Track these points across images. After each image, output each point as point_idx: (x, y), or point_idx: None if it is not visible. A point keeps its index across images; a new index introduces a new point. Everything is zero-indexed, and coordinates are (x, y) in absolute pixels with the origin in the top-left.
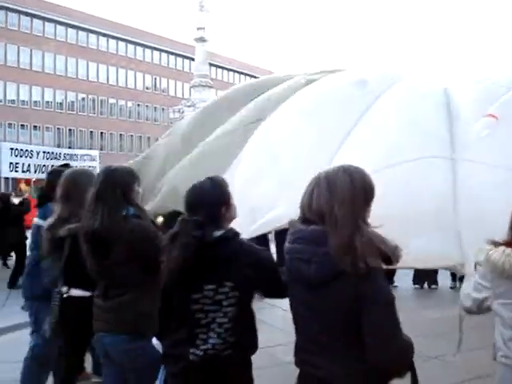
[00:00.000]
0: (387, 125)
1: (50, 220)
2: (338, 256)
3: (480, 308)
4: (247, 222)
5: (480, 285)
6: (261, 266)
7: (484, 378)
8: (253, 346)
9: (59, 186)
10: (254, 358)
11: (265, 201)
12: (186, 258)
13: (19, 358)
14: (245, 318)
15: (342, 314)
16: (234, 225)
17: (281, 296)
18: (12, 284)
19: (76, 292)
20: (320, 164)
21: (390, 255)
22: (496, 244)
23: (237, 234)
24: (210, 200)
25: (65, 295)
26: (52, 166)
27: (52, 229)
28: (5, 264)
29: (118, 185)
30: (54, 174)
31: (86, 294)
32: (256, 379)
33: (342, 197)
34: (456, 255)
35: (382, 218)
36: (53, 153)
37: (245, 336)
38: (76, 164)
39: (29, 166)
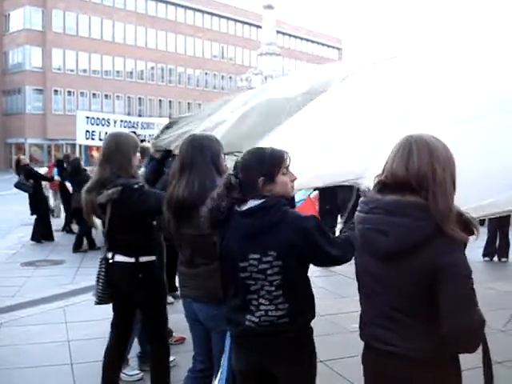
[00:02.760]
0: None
1: (89, 183)
2: (441, 217)
3: None
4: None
5: None
6: (305, 233)
7: None
8: (308, 312)
9: (101, 148)
10: (315, 324)
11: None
12: (216, 217)
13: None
14: (296, 286)
15: (416, 287)
16: None
17: (331, 264)
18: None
19: (120, 258)
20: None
21: (471, 229)
22: None
23: (278, 203)
24: (254, 169)
25: (110, 261)
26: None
27: (90, 191)
28: (70, 230)
29: (207, 151)
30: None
31: (130, 260)
32: (318, 346)
33: (443, 160)
34: None
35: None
36: (130, 121)
37: (299, 303)
38: (152, 132)
39: (106, 133)
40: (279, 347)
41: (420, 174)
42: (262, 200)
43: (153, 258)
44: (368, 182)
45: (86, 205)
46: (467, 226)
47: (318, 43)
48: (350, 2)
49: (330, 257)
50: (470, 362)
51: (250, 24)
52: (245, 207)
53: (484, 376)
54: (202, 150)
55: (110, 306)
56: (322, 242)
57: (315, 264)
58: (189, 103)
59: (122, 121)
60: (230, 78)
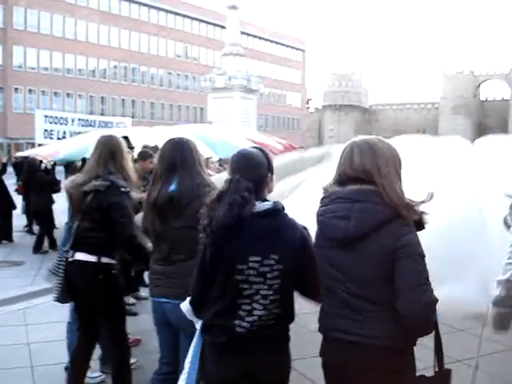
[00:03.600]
0: None
1: (81, 178)
2: (394, 204)
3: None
4: None
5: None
6: (305, 243)
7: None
8: (292, 316)
9: (97, 148)
10: None
11: None
12: (229, 217)
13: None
14: (290, 291)
15: (376, 271)
16: None
17: (313, 290)
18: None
19: (81, 256)
20: None
21: (419, 219)
22: None
23: (283, 208)
24: (260, 166)
25: (70, 259)
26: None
27: (81, 186)
28: (30, 231)
29: (193, 153)
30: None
31: (92, 259)
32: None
33: (385, 158)
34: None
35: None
36: (88, 120)
37: (288, 308)
38: (110, 132)
39: (64, 132)
40: (264, 352)
41: (365, 170)
42: (272, 202)
43: (114, 261)
44: None
45: (77, 198)
46: (418, 217)
47: (282, 44)
48: (313, 4)
49: (316, 277)
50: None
51: (215, 24)
52: (257, 209)
53: (435, 355)
54: (187, 151)
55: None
56: (315, 255)
57: (298, 284)
58: (152, 103)
59: (79, 119)
60: (194, 77)
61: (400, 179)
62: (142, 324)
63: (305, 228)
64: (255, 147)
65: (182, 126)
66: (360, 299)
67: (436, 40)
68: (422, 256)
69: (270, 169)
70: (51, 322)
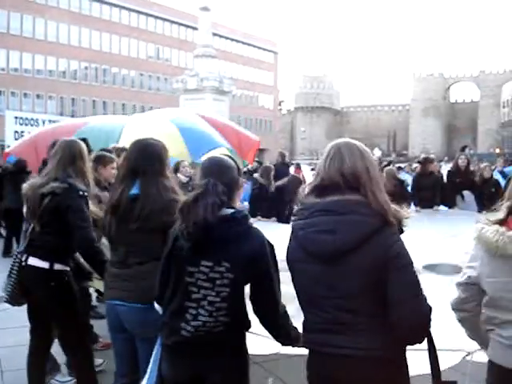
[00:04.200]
0: None
1: (40, 180)
2: (383, 211)
3: (468, 297)
4: None
5: (469, 268)
6: (263, 257)
7: None
8: (246, 325)
9: (57, 151)
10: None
11: None
12: (212, 217)
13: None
14: (239, 301)
15: (364, 284)
16: None
17: (270, 301)
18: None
19: (34, 261)
20: None
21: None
22: (488, 222)
23: (247, 217)
24: (231, 170)
25: (23, 263)
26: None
27: (38, 188)
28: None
29: (157, 157)
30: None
31: (44, 265)
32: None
33: (371, 160)
34: None
35: None
36: (59, 121)
37: (238, 316)
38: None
39: None
40: (214, 356)
41: (356, 174)
42: (234, 210)
43: (67, 268)
44: None
45: (33, 200)
46: (399, 213)
47: (254, 46)
48: (285, 6)
49: (272, 290)
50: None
51: (186, 26)
52: (223, 213)
53: (430, 366)
54: (153, 155)
55: None
56: (274, 274)
57: (255, 292)
58: (123, 104)
59: (50, 121)
60: (166, 79)
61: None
62: None
63: (268, 243)
64: (224, 154)
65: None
66: (348, 313)
67: (406, 43)
68: (412, 263)
69: (240, 173)
70: (21, 326)
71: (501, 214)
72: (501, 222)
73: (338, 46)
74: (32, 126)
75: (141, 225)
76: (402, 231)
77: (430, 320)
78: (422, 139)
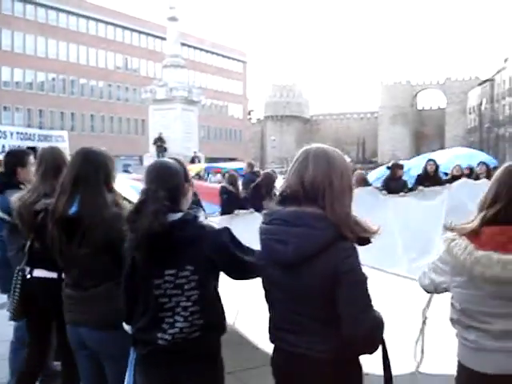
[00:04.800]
0: None
1: (31, 196)
2: (339, 223)
3: (437, 289)
4: None
5: (440, 269)
6: (221, 248)
7: None
8: (221, 327)
9: (45, 161)
10: (223, 336)
11: None
12: (157, 225)
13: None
14: (211, 300)
15: (316, 294)
16: None
17: (245, 277)
18: None
19: (40, 273)
20: None
21: (367, 236)
22: (462, 231)
23: (196, 217)
24: (175, 175)
25: (28, 276)
26: (27, 147)
27: (31, 205)
28: None
29: (101, 168)
30: (17, 156)
31: (52, 275)
32: (227, 357)
33: (341, 169)
34: None
35: None
36: (26, 133)
37: (212, 318)
38: (51, 145)
39: (3, 146)
40: (190, 363)
41: (316, 182)
42: (182, 213)
43: None
44: None
45: (27, 217)
46: (363, 233)
47: (223, 56)
48: (254, 16)
49: (245, 264)
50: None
51: (155, 36)
52: (171, 219)
53: (384, 376)
54: (97, 166)
55: None
56: (237, 252)
57: (234, 276)
58: (92, 115)
59: (18, 133)
60: (135, 89)
61: (352, 196)
62: None
63: (222, 230)
64: (171, 157)
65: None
66: (302, 317)
67: (374, 51)
68: (363, 279)
69: (187, 179)
70: (2, 340)
71: (474, 224)
72: (473, 233)
73: (306, 54)
74: (0, 138)
75: (87, 245)
76: (368, 241)
77: (380, 333)
78: (390, 146)
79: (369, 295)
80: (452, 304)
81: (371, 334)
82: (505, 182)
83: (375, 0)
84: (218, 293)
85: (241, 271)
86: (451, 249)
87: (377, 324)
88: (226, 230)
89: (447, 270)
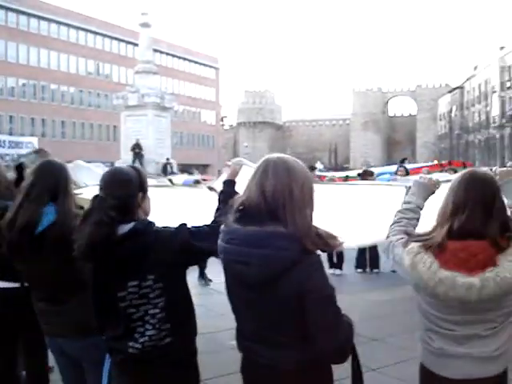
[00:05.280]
0: None
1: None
2: (300, 234)
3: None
4: None
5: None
6: (180, 247)
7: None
8: (191, 331)
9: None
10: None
11: None
12: (97, 235)
13: None
14: (178, 305)
15: (282, 312)
16: None
17: (206, 256)
18: None
19: (3, 284)
20: None
21: (329, 245)
22: (426, 243)
23: (150, 224)
24: (127, 184)
25: None
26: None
27: None
28: None
29: (68, 180)
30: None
31: (15, 285)
32: (199, 365)
33: (302, 179)
34: None
35: None
36: None
37: (181, 322)
38: (22, 151)
39: None
40: (161, 370)
41: (276, 192)
42: (134, 223)
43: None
44: None
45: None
46: (327, 241)
47: (195, 62)
48: (226, 22)
49: (204, 252)
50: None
51: (127, 41)
52: (122, 231)
53: (352, 381)
54: (59, 176)
55: None
56: (196, 243)
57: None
58: (63, 121)
59: None
60: (106, 95)
61: (313, 207)
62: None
63: (177, 230)
64: (130, 166)
65: None
66: (270, 330)
67: (346, 58)
68: (330, 293)
69: (143, 188)
70: None
71: (439, 237)
72: (437, 248)
73: (279, 61)
74: None
75: (56, 259)
76: (333, 249)
77: (352, 340)
78: (362, 152)
79: (338, 307)
80: (417, 305)
81: (345, 345)
82: (466, 189)
83: (347, 8)
84: (188, 296)
85: (201, 256)
86: (415, 264)
87: (350, 333)
88: (183, 226)
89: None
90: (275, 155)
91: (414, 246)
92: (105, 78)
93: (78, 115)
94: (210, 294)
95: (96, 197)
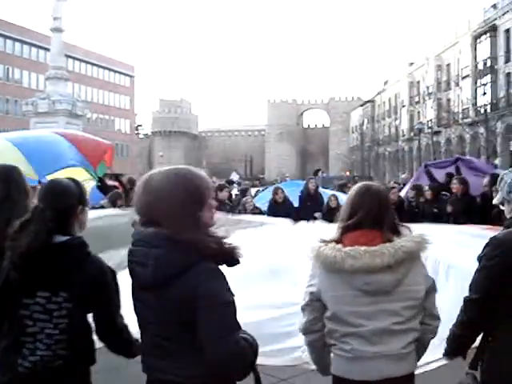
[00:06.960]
0: None
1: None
2: (197, 242)
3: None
4: None
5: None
6: (103, 286)
7: None
8: (89, 360)
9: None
10: (100, 360)
11: None
12: (34, 246)
13: None
14: (80, 331)
15: (178, 316)
16: None
17: (107, 332)
18: None
19: None
20: None
21: (230, 255)
22: (325, 242)
23: (84, 244)
24: (66, 196)
25: None
26: None
27: None
28: None
29: (19, 186)
30: None
31: None
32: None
33: (156, 193)
34: None
35: None
36: None
37: (79, 349)
38: None
39: None
40: None
41: (161, 206)
42: (69, 237)
43: None
44: None
45: None
46: (224, 255)
47: (110, 70)
48: (142, 30)
49: (111, 320)
50: None
51: (39, 46)
52: (55, 241)
53: None
54: (13, 183)
55: None
56: (115, 300)
57: (97, 319)
58: None
59: None
60: (16, 101)
61: (206, 214)
62: None
63: (108, 271)
64: (69, 178)
65: None
66: (166, 341)
67: (261, 69)
68: (225, 303)
69: (82, 201)
70: None
71: (335, 235)
72: (336, 241)
73: (195, 70)
74: None
75: None
76: (237, 262)
77: (239, 361)
78: (277, 163)
79: (233, 319)
80: (327, 316)
81: (231, 360)
82: (360, 196)
83: (262, 20)
84: (88, 324)
85: (106, 315)
86: (320, 252)
87: (239, 350)
88: (113, 272)
89: (316, 282)
90: (156, 170)
91: (314, 244)
92: (15, 83)
93: None
94: None
95: (35, 208)
